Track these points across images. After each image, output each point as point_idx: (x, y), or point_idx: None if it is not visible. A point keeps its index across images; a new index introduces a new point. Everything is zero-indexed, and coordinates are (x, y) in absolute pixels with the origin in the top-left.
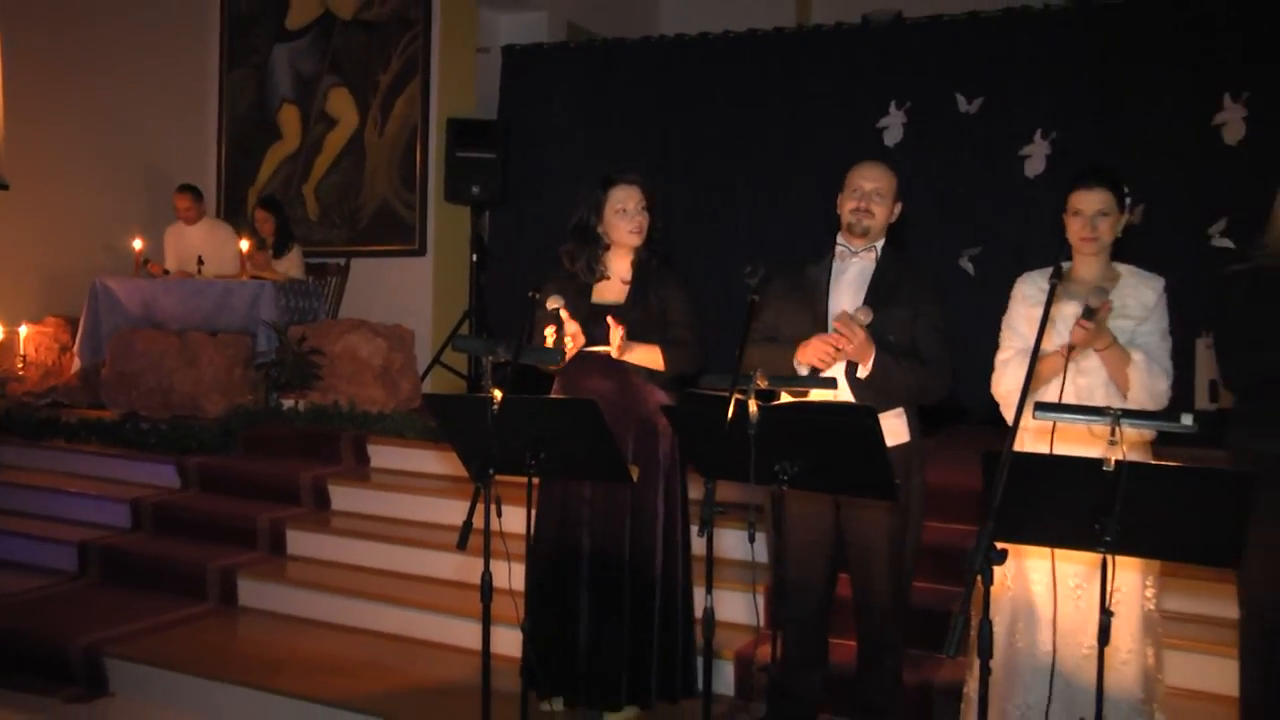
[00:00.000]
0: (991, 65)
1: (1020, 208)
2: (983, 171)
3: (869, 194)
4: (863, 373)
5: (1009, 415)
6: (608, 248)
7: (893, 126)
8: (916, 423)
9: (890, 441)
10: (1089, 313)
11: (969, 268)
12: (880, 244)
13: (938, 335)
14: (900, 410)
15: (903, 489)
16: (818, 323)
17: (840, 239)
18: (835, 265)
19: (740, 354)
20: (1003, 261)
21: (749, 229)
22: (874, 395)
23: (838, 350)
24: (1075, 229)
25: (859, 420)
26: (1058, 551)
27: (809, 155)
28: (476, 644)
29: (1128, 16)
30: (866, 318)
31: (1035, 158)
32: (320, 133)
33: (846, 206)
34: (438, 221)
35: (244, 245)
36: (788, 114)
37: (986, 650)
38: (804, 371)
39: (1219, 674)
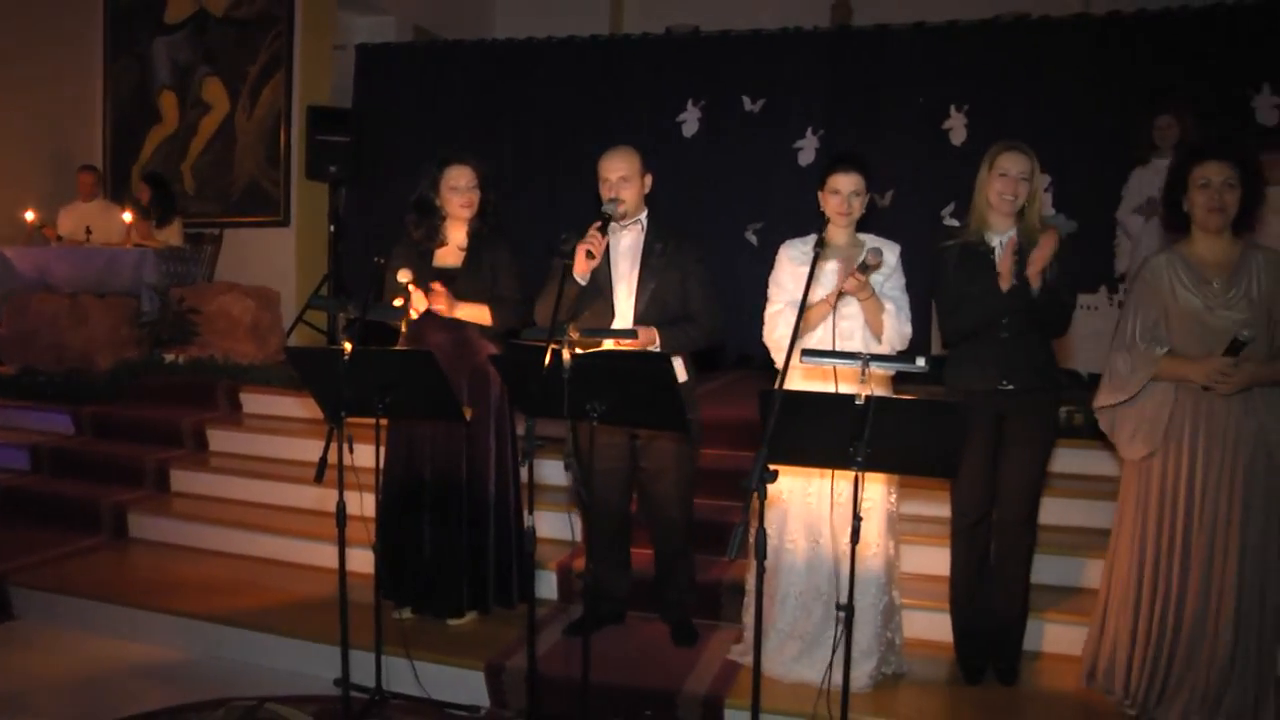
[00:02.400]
0: (772, 73)
1: (795, 190)
2: (764, 160)
3: (616, 183)
4: (656, 350)
5: (779, 360)
6: (445, 219)
7: (690, 121)
8: (692, 366)
9: None
10: (864, 267)
11: (753, 239)
12: (644, 215)
13: (703, 290)
14: (678, 355)
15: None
16: (599, 288)
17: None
18: (612, 238)
19: (555, 309)
20: (781, 234)
21: (567, 205)
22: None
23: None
24: (834, 205)
25: (656, 365)
26: (821, 470)
27: (621, 140)
28: (336, 564)
29: (878, 40)
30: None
31: (807, 150)
32: (196, 117)
33: (603, 195)
34: (300, 197)
35: (127, 217)
36: (602, 107)
37: (762, 552)
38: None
39: (942, 560)
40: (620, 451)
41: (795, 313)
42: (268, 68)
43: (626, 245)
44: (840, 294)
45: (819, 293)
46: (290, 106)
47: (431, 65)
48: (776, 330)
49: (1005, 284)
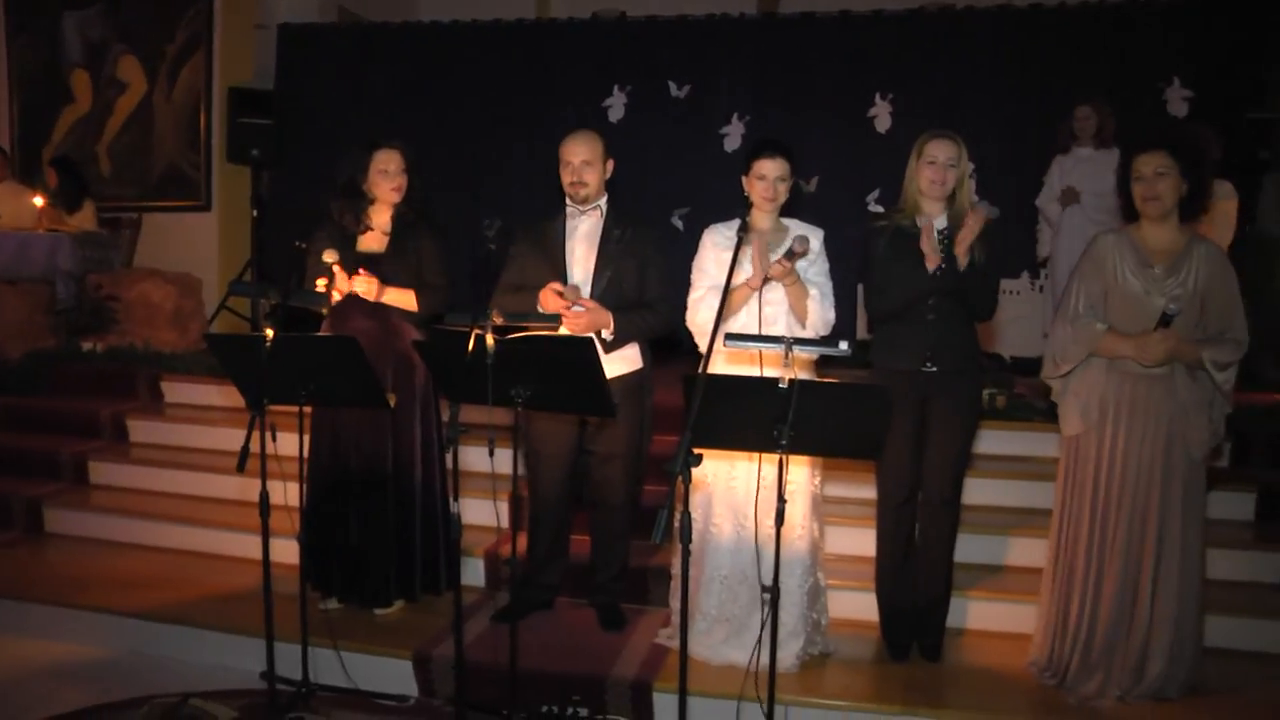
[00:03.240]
0: (698, 60)
1: (721, 175)
2: (690, 145)
3: (579, 167)
4: (607, 335)
5: (703, 344)
6: (371, 203)
7: (615, 105)
8: (648, 352)
9: (626, 368)
10: (790, 254)
11: (679, 224)
12: (603, 201)
13: (661, 278)
14: (634, 343)
15: (640, 406)
16: (557, 273)
17: (568, 203)
18: (568, 224)
19: (490, 299)
20: (707, 219)
21: (495, 190)
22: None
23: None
24: (759, 190)
25: (579, 351)
26: (746, 453)
27: (546, 126)
28: (260, 555)
29: (804, 28)
30: (575, 295)
31: (733, 135)
32: (111, 96)
33: (565, 180)
34: (221, 180)
35: (39, 201)
36: (528, 92)
37: (686, 536)
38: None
39: (865, 541)
40: (567, 436)
41: (718, 297)
42: (186, 47)
43: (585, 231)
44: (765, 279)
45: (742, 278)
46: (210, 87)
47: (355, 47)
48: (699, 315)
49: (931, 264)
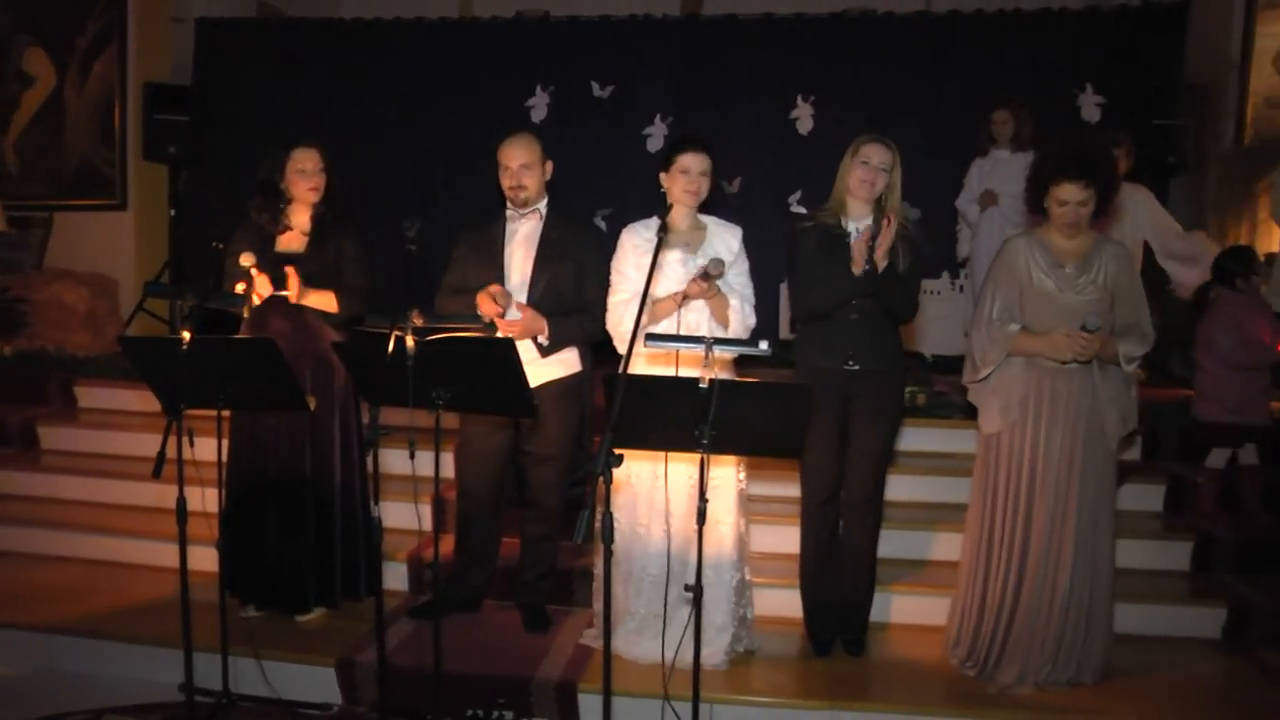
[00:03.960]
0: (621, 60)
1: (643, 176)
2: (613, 145)
3: (517, 171)
4: (543, 340)
5: (621, 348)
6: (290, 202)
7: (538, 106)
8: (589, 355)
9: (564, 371)
10: (705, 275)
11: (602, 224)
12: (543, 204)
13: (599, 281)
14: (572, 346)
15: (578, 409)
16: (496, 276)
17: (508, 205)
18: (508, 227)
19: (411, 300)
20: (631, 219)
21: (417, 190)
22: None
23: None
24: (681, 184)
25: (499, 351)
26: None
27: (469, 126)
28: (177, 563)
29: (727, 30)
30: (506, 302)
31: (655, 136)
32: (18, 90)
33: (504, 183)
34: (138, 178)
35: None
36: (451, 91)
37: (608, 536)
38: (486, 320)
39: (789, 539)
40: (499, 436)
41: (639, 304)
42: (98, 39)
43: (524, 234)
44: (685, 298)
45: (662, 282)
46: (125, 82)
47: (275, 43)
48: (621, 323)
49: (857, 268)
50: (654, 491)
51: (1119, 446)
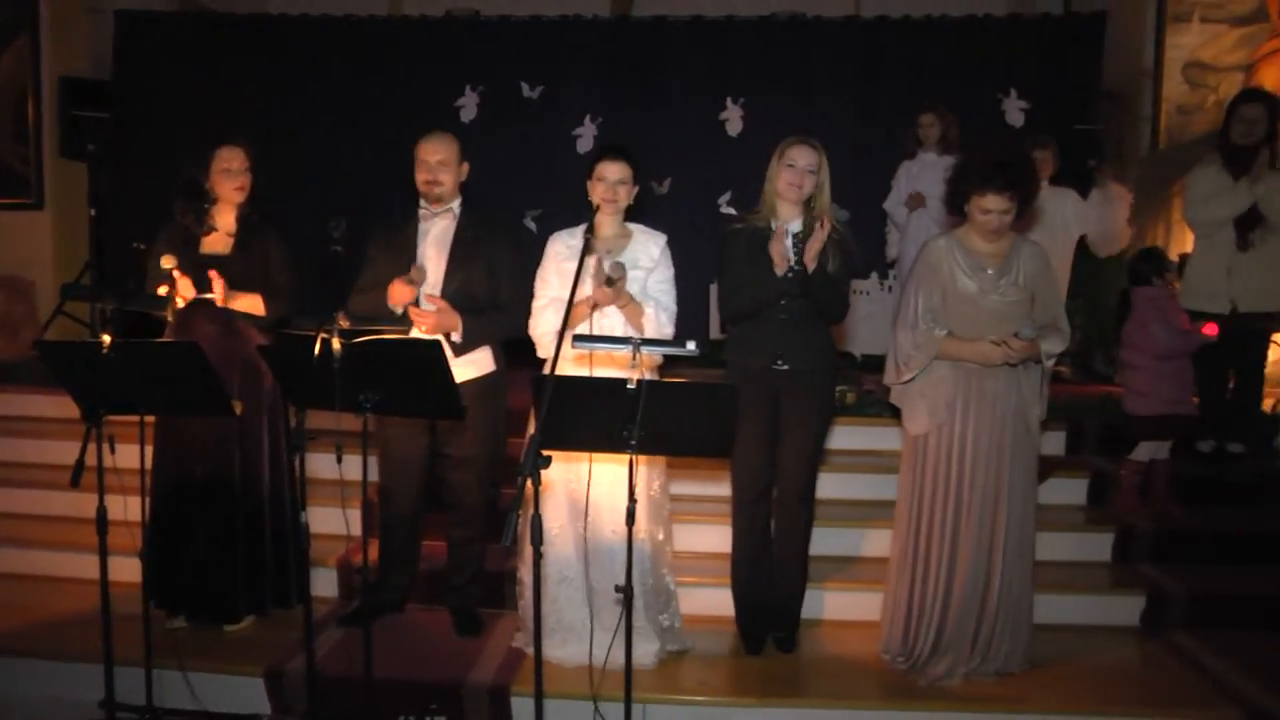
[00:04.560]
0: (550, 61)
1: (574, 177)
2: (543, 146)
3: (434, 166)
4: (456, 338)
5: (544, 352)
6: (214, 203)
7: (468, 106)
8: (502, 354)
9: (477, 372)
10: (610, 281)
11: (532, 226)
12: (456, 204)
13: (513, 280)
14: (485, 346)
15: (493, 409)
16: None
17: (421, 203)
18: (421, 225)
19: (338, 301)
20: (561, 220)
21: (343, 190)
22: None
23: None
24: (599, 192)
25: (426, 352)
26: (595, 454)
27: (397, 125)
28: (98, 575)
29: (656, 31)
30: (421, 276)
31: (585, 137)
32: None
33: (419, 178)
34: (55, 176)
35: None
36: (380, 89)
37: (537, 539)
38: (400, 314)
39: (719, 538)
40: (419, 440)
41: (558, 310)
42: (7, 30)
43: (437, 233)
44: (595, 305)
45: (583, 289)
46: (39, 76)
47: (199, 37)
48: (539, 326)
49: (780, 268)
50: (569, 494)
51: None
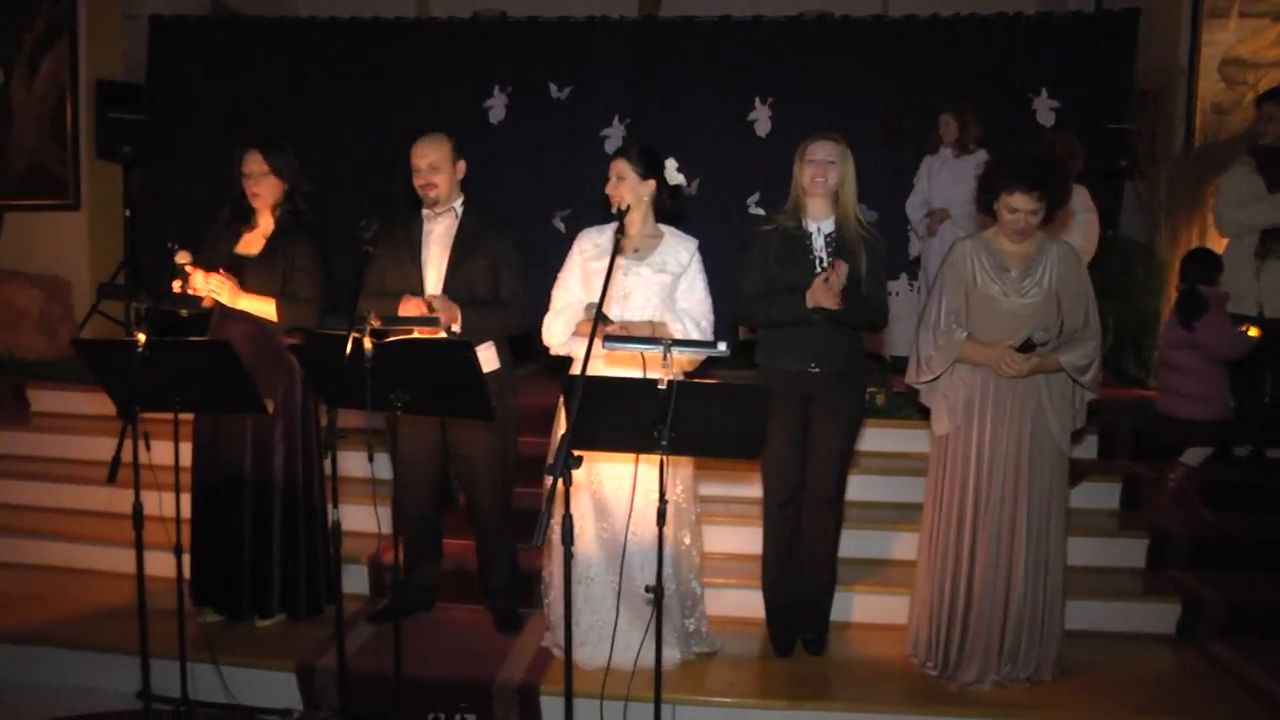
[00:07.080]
0: (579, 61)
1: (601, 178)
2: (571, 147)
3: (426, 171)
4: (456, 329)
5: (559, 353)
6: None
7: (496, 107)
8: (507, 352)
9: (484, 370)
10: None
11: (561, 226)
12: (458, 203)
13: (514, 276)
14: (489, 343)
15: (501, 408)
16: (413, 276)
17: (424, 206)
18: (424, 227)
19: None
20: (589, 221)
21: (375, 190)
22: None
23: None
24: (609, 188)
25: (458, 353)
26: (624, 456)
27: (425, 127)
28: (133, 569)
29: (684, 31)
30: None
31: (614, 138)
32: None
33: (416, 183)
34: (91, 177)
35: None
36: (408, 91)
37: (568, 539)
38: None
39: (749, 539)
40: (429, 439)
41: (572, 315)
42: (47, 35)
43: (439, 233)
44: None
45: (618, 278)
46: (76, 80)
47: (231, 41)
48: (551, 335)
49: (814, 300)
50: (594, 494)
51: (1069, 440)
